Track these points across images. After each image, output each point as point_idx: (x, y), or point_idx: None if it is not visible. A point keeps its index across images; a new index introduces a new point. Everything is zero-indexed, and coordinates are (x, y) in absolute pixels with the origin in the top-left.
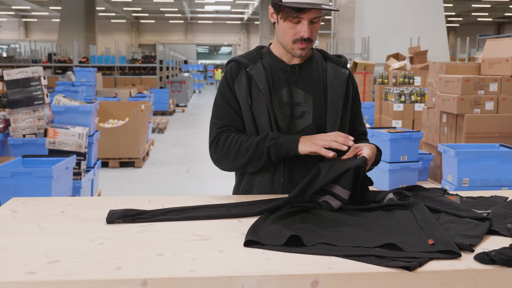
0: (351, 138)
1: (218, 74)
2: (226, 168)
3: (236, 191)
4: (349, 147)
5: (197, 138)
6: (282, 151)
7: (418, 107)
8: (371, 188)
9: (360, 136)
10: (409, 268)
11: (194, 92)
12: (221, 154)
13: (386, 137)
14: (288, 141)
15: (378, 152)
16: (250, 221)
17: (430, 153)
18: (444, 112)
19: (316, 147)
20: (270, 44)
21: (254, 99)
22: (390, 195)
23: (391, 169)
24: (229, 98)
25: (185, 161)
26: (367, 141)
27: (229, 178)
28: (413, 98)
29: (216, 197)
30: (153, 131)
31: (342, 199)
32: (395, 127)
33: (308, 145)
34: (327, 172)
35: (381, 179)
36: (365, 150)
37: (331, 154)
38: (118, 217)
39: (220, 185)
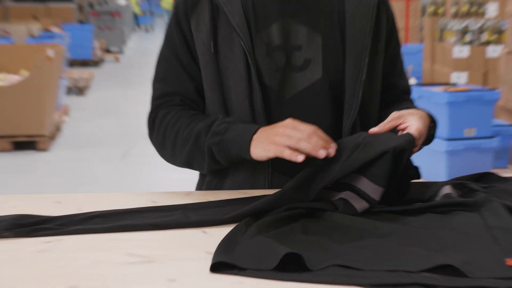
0: (334, 145)
1: (167, 1)
2: (168, 161)
3: (200, 189)
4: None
5: (140, 103)
6: (231, 154)
7: (493, 51)
8: (418, 180)
9: (401, 95)
10: None
11: (139, 27)
12: (157, 140)
13: (442, 99)
14: (237, 139)
15: (432, 123)
16: (220, 231)
17: None
18: None
19: (276, 148)
20: None
21: (222, 43)
22: (447, 189)
23: (450, 149)
24: (178, 45)
25: (120, 140)
26: (412, 104)
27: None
28: (484, 37)
29: (167, 194)
30: (68, 92)
31: (370, 199)
32: (455, 84)
33: (263, 147)
34: (349, 154)
35: (434, 166)
36: (412, 122)
37: (300, 158)
38: (6, 227)
39: (176, 178)
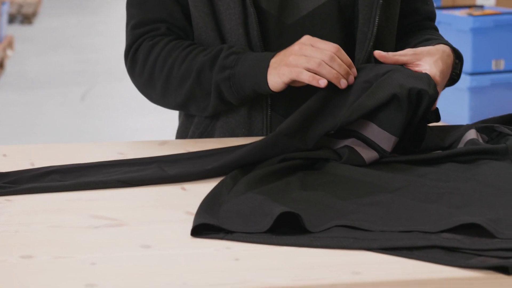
0: (354, 72)
1: None
2: (156, 102)
3: (183, 133)
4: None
5: (100, 33)
6: (245, 89)
7: None
8: (436, 124)
9: (423, 23)
10: (508, 270)
11: None
12: (141, 78)
13: (466, 26)
14: (252, 70)
15: (458, 60)
16: (202, 188)
17: None
18: None
19: (291, 70)
20: None
21: None
22: (471, 134)
23: (474, 86)
24: None
25: (77, 79)
26: (435, 34)
27: (166, 112)
28: None
29: (138, 144)
30: (11, 20)
31: (380, 149)
32: (482, 6)
33: (277, 72)
34: (358, 95)
35: (454, 105)
36: (427, 67)
37: (323, 83)
38: None
39: (147, 124)
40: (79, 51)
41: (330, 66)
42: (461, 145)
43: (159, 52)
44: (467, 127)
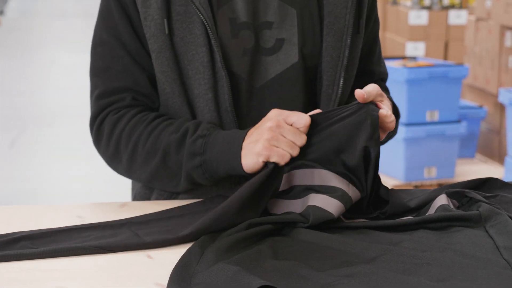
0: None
1: None
2: (123, 175)
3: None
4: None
5: (29, 76)
6: (219, 174)
7: (456, 17)
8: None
9: (376, 83)
10: None
11: None
12: (107, 152)
13: (401, 77)
14: (224, 156)
15: (395, 113)
16: (169, 255)
17: (481, 106)
18: (509, 28)
19: (274, 153)
20: None
21: (178, 22)
22: (442, 199)
23: (409, 137)
24: (120, 27)
25: (7, 124)
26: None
27: (96, 158)
28: (446, 0)
29: (96, 207)
30: None
31: (341, 194)
32: (415, 57)
33: (252, 154)
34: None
35: (390, 155)
36: (386, 105)
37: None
38: None
39: (79, 171)
40: (8, 95)
41: (296, 143)
42: (431, 210)
43: (123, 128)
44: (436, 192)
